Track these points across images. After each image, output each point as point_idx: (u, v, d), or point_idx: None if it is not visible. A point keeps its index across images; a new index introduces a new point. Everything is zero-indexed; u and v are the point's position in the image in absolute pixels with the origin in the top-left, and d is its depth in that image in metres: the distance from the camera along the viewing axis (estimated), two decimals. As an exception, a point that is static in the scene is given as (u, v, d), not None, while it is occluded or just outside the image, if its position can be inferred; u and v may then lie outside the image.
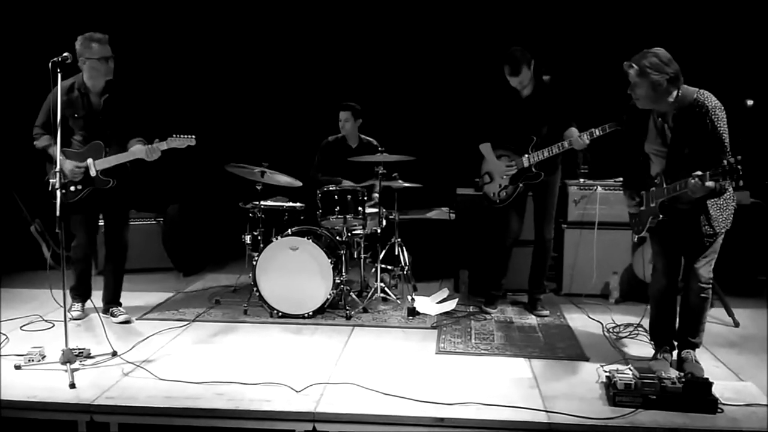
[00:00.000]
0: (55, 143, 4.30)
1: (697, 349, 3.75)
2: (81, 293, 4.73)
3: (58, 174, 3.74)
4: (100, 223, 4.79)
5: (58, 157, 3.78)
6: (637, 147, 3.69)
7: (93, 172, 4.39)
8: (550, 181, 4.78)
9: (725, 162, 3.13)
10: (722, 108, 3.39)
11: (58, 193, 3.69)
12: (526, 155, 4.67)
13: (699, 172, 3.24)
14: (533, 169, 4.69)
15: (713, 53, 5.64)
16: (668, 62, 3.37)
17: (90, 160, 4.39)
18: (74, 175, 4.37)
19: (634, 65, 3.39)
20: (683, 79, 3.43)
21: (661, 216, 3.54)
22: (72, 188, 4.41)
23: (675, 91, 3.42)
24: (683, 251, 3.70)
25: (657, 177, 3.55)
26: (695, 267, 3.57)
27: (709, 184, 3.22)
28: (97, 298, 4.77)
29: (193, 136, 4.43)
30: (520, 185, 4.76)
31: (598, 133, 4.40)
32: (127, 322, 4.65)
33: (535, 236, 4.92)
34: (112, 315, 4.71)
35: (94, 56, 4.27)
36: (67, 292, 4.55)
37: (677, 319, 3.79)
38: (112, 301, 4.79)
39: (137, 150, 4.40)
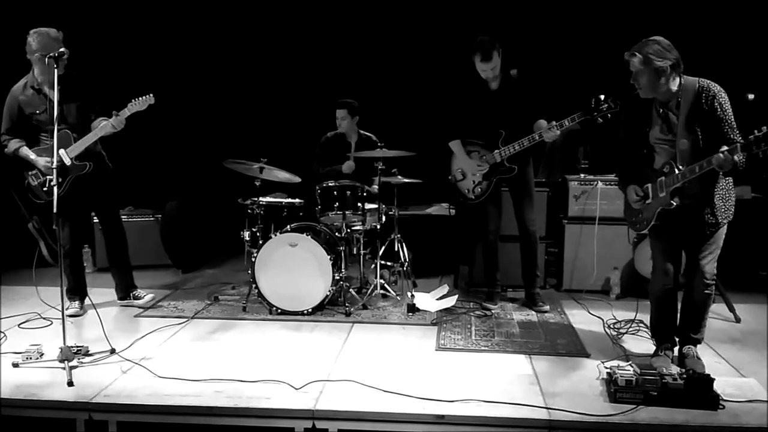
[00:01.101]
0: (25, 144, 4.44)
1: (698, 345, 3.73)
2: (76, 291, 4.75)
3: (55, 171, 3.72)
4: (94, 221, 4.81)
5: (56, 152, 3.77)
6: (641, 139, 3.63)
7: (67, 161, 4.43)
8: (524, 173, 4.78)
9: (756, 133, 3.10)
10: (725, 92, 3.41)
11: (56, 189, 3.68)
12: (497, 150, 4.66)
13: (726, 147, 3.21)
14: (506, 164, 4.68)
15: (713, 47, 5.61)
16: (669, 48, 3.37)
17: (62, 151, 4.40)
18: (48, 170, 4.36)
19: (637, 54, 3.37)
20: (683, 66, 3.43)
21: (674, 203, 3.46)
22: (52, 182, 4.39)
23: (678, 79, 3.42)
24: (685, 246, 3.67)
25: (665, 166, 3.49)
26: (700, 263, 3.54)
27: (737, 156, 3.18)
28: (106, 294, 4.80)
29: (151, 94, 4.40)
30: (494, 180, 4.76)
31: (567, 124, 4.40)
32: (152, 300, 4.87)
33: (519, 230, 4.92)
34: (136, 298, 4.87)
35: (48, 52, 4.13)
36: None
37: (678, 316, 3.77)
38: (129, 287, 4.92)
39: (104, 126, 4.40)
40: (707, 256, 3.54)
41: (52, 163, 3.75)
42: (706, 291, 3.58)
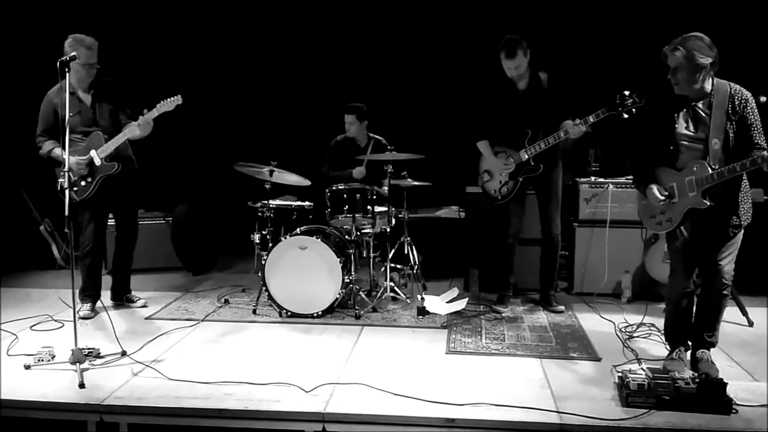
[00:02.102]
0: (59, 145, 4.51)
1: (712, 349, 3.70)
2: (90, 293, 4.76)
3: (66, 174, 3.76)
4: (110, 222, 4.86)
5: (67, 157, 3.78)
6: (666, 136, 3.56)
7: (97, 161, 4.51)
8: (551, 176, 4.77)
9: None
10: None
11: (67, 192, 3.71)
12: (523, 149, 4.65)
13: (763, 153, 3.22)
14: (531, 162, 4.67)
15: (725, 49, 5.57)
16: (711, 46, 3.36)
17: (93, 151, 4.51)
18: (79, 168, 4.48)
19: (680, 48, 3.34)
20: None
21: (707, 202, 3.41)
22: (83, 183, 4.54)
23: (711, 79, 3.42)
24: (703, 248, 3.60)
25: (695, 164, 3.42)
26: (720, 264, 3.50)
27: None
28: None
29: (179, 96, 4.48)
30: (520, 180, 4.74)
31: (593, 119, 4.37)
32: (144, 305, 4.93)
33: (542, 232, 4.91)
34: (131, 302, 4.96)
35: (81, 61, 4.35)
36: (77, 293, 4.61)
37: (695, 318, 3.72)
38: (125, 290, 5.00)
39: (131, 128, 4.49)
40: (727, 257, 3.51)
41: (67, 165, 3.76)
42: (724, 292, 3.55)
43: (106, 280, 4.99)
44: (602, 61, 6.03)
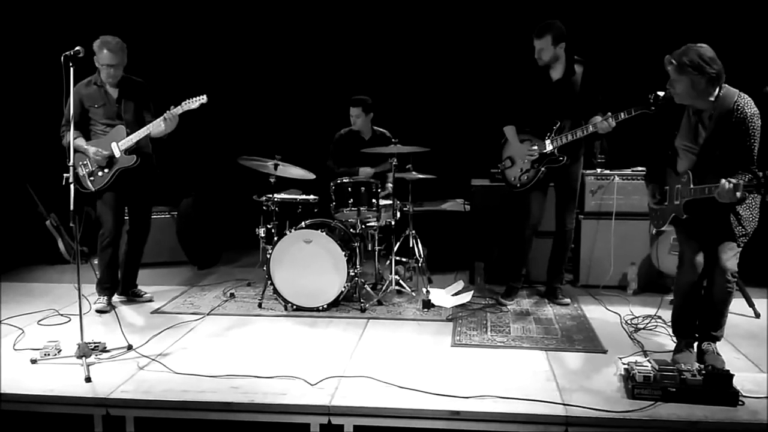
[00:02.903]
0: (81, 136, 4.59)
1: (718, 342, 3.69)
2: (108, 286, 4.78)
3: (71, 168, 3.73)
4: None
5: (72, 153, 3.77)
6: (668, 140, 3.59)
7: (117, 153, 4.58)
8: (572, 169, 4.73)
9: (760, 174, 3.10)
10: (759, 116, 3.34)
11: (72, 187, 3.68)
12: (549, 139, 4.63)
13: (733, 180, 3.16)
14: (555, 153, 4.64)
15: (734, 39, 5.53)
16: (710, 61, 3.26)
17: (113, 143, 4.57)
18: (97, 158, 4.54)
19: (673, 61, 3.31)
20: (725, 77, 3.34)
21: (685, 216, 3.48)
22: (100, 173, 4.59)
23: (716, 91, 3.35)
24: (710, 242, 3.57)
25: (684, 174, 3.46)
26: (723, 260, 3.47)
27: (739, 194, 3.15)
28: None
29: (205, 96, 4.59)
30: (542, 169, 4.70)
31: (623, 116, 4.33)
32: (150, 300, 4.96)
33: (556, 225, 4.88)
34: (138, 296, 4.99)
35: (103, 62, 4.54)
36: (88, 285, 4.64)
37: (701, 312, 3.71)
38: (132, 285, 5.03)
39: (156, 122, 4.57)
40: (729, 253, 3.48)
41: (71, 160, 3.76)
42: (728, 288, 3.52)
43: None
44: (638, 59, 5.95)
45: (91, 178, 4.60)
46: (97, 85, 4.64)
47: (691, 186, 3.42)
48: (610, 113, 4.37)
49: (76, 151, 4.50)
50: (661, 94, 4.17)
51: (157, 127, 4.56)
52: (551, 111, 4.63)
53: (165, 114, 4.54)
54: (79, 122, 4.57)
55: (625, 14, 6.13)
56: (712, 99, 3.36)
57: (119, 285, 4.95)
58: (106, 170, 4.59)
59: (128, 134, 4.58)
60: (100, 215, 4.71)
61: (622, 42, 6.06)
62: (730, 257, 3.48)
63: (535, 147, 4.68)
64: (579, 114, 4.59)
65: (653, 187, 3.73)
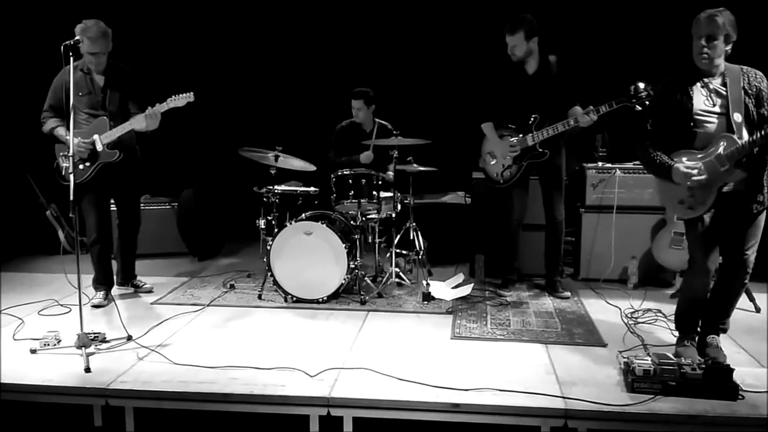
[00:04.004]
0: (64, 125, 4.48)
1: (721, 335, 3.68)
2: (103, 281, 4.75)
3: (71, 158, 3.71)
4: (112, 209, 4.85)
5: (71, 140, 3.74)
6: (685, 114, 3.43)
7: (99, 147, 4.47)
8: (555, 161, 4.73)
9: None
10: None
11: (72, 177, 3.66)
12: (531, 134, 4.62)
13: None
14: (538, 148, 4.63)
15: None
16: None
17: (96, 136, 4.47)
18: (80, 150, 4.43)
19: (721, 15, 3.29)
20: None
21: (745, 174, 3.33)
22: (81, 166, 4.49)
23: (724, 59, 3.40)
24: (726, 235, 3.49)
25: (720, 140, 3.32)
26: (746, 253, 3.43)
27: None
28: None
29: (192, 93, 4.46)
30: (524, 164, 4.71)
31: (605, 109, 4.32)
32: (150, 291, 4.94)
33: (546, 218, 4.88)
34: (137, 287, 4.97)
35: (85, 50, 4.39)
36: (82, 281, 4.62)
37: (708, 302, 3.65)
38: (131, 275, 5.00)
39: (138, 118, 4.45)
40: (752, 246, 3.43)
41: (71, 151, 3.73)
42: (745, 280, 3.51)
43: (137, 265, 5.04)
44: (613, 49, 5.96)
45: (71, 171, 4.48)
46: (84, 71, 4.52)
47: (739, 143, 3.25)
48: (591, 107, 4.36)
49: (58, 141, 4.51)
50: (641, 85, 4.15)
51: (139, 122, 4.43)
52: (528, 105, 4.63)
53: (147, 110, 4.41)
54: (62, 108, 4.44)
55: (600, 7, 6.11)
56: (723, 67, 3.40)
57: (119, 275, 4.95)
58: (87, 164, 4.48)
59: (111, 127, 4.47)
60: (83, 210, 4.61)
61: (598, 33, 6.05)
62: (753, 251, 3.45)
63: (517, 143, 4.67)
64: (556, 107, 4.59)
65: (684, 164, 3.39)
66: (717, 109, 3.40)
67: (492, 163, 4.87)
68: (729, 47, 3.35)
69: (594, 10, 6.12)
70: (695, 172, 3.34)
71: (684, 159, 3.42)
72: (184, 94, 4.45)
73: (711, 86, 3.42)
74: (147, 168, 4.88)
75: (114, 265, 4.93)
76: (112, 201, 4.85)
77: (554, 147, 4.68)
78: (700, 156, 3.38)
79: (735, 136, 3.30)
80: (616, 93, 4.27)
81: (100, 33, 4.38)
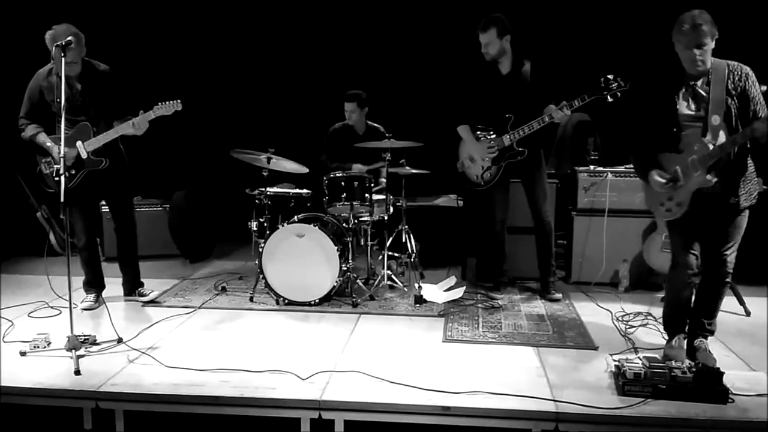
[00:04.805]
0: (43, 130, 4.39)
1: (709, 338, 3.70)
2: (93, 284, 4.72)
3: (62, 160, 3.67)
4: (104, 210, 4.80)
5: (63, 141, 3.71)
6: (670, 118, 3.48)
7: (84, 154, 4.39)
8: (534, 160, 4.74)
9: None
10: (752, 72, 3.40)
11: (62, 179, 3.64)
12: (507, 134, 4.63)
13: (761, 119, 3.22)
14: (515, 147, 4.65)
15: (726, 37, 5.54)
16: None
17: (79, 143, 4.37)
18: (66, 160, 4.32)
19: (706, 19, 3.29)
20: None
21: (712, 179, 3.35)
22: (66, 174, 4.36)
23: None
24: (705, 235, 3.57)
25: (695, 144, 3.37)
26: (724, 253, 3.48)
27: None
28: (114, 285, 4.85)
29: (179, 101, 4.36)
30: (503, 165, 4.73)
31: (578, 103, 4.37)
32: (156, 300, 4.78)
33: (533, 220, 4.89)
34: (141, 295, 4.82)
35: (51, 51, 4.12)
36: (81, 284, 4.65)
37: (694, 305, 3.72)
38: (135, 283, 4.89)
39: (124, 125, 4.36)
40: (731, 246, 3.48)
41: (62, 152, 3.69)
42: (726, 280, 3.54)
43: (112, 269, 4.93)
44: (588, 47, 5.99)
45: (56, 178, 4.24)
46: (58, 76, 4.17)
47: (710, 147, 3.30)
48: (565, 102, 4.39)
49: (39, 147, 4.39)
50: (611, 77, 4.21)
51: (124, 129, 4.34)
52: (503, 105, 4.65)
53: (132, 120, 4.30)
54: (40, 115, 4.37)
55: (572, 5, 6.16)
56: (708, 65, 3.37)
57: (125, 288, 4.88)
58: (72, 171, 4.37)
59: (95, 134, 4.36)
60: (71, 217, 4.49)
61: (570, 32, 6.08)
62: (732, 250, 3.49)
63: (494, 144, 4.68)
64: (531, 106, 4.59)
65: (658, 171, 3.52)
66: (699, 113, 3.43)
67: (471, 166, 4.88)
68: (711, 47, 3.35)
69: (566, 9, 6.15)
70: (663, 181, 3.48)
71: (665, 161, 3.52)
72: (171, 102, 4.34)
73: (694, 89, 3.43)
74: (135, 167, 4.78)
75: (104, 267, 4.90)
76: (103, 204, 4.81)
77: (532, 146, 4.69)
78: (678, 160, 3.45)
79: (708, 139, 3.33)
80: (588, 87, 4.33)
81: (62, 42, 3.89)
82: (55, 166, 4.39)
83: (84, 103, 4.39)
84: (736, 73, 3.36)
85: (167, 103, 4.35)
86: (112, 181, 4.59)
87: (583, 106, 4.45)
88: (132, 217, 4.83)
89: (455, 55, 6.28)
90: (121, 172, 4.64)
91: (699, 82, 3.42)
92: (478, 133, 4.79)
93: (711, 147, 3.33)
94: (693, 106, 3.45)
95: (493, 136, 4.70)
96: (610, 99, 4.29)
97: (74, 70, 4.32)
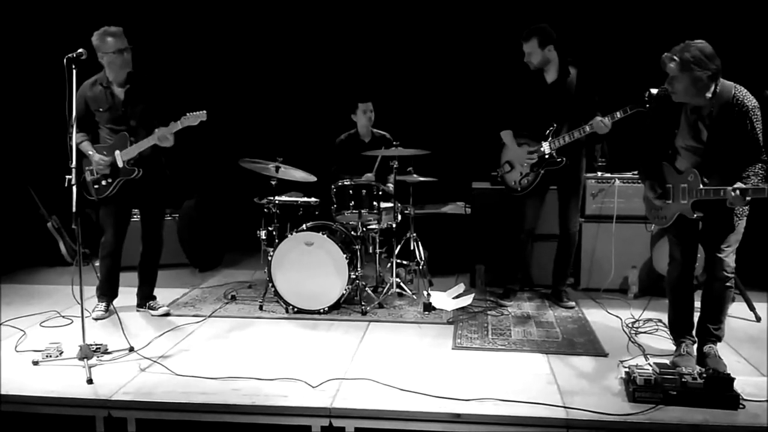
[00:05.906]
0: (88, 139, 4.48)
1: (718, 344, 3.70)
2: (107, 292, 4.72)
3: (74, 170, 3.71)
4: (134, 219, 4.83)
5: (74, 153, 3.75)
6: (667, 139, 3.57)
7: (120, 163, 4.45)
8: (573, 172, 4.74)
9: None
10: (758, 107, 3.34)
11: (74, 189, 3.68)
12: (547, 141, 4.63)
13: (740, 185, 3.19)
14: (554, 155, 4.65)
15: (735, 41, 5.54)
16: (711, 58, 3.26)
17: (117, 152, 4.45)
18: (99, 167, 4.44)
19: (675, 58, 3.28)
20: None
21: (696, 215, 3.43)
22: (103, 182, 4.50)
23: (713, 87, 3.34)
24: (703, 241, 3.63)
25: (690, 173, 3.44)
26: (719, 256, 3.50)
27: (749, 197, 3.19)
28: (124, 294, 4.85)
29: (204, 111, 4.41)
30: (542, 172, 4.72)
31: (619, 116, 4.36)
32: (167, 314, 4.74)
33: (560, 229, 4.89)
34: (152, 309, 4.81)
35: (110, 50, 4.32)
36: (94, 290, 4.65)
37: (699, 312, 3.73)
38: (149, 296, 4.87)
39: (151, 137, 4.41)
40: (726, 248, 3.50)
41: (74, 162, 3.73)
42: (727, 284, 3.55)
43: (125, 278, 4.89)
44: (632, 59, 5.96)
45: (96, 186, 4.50)
46: (103, 85, 4.44)
47: (701, 186, 3.37)
48: (599, 114, 4.40)
49: (82, 155, 4.49)
50: (654, 91, 4.20)
51: (152, 140, 4.39)
52: (547, 114, 4.65)
53: (156, 132, 4.36)
54: (87, 124, 4.47)
55: (619, 14, 6.13)
56: (710, 95, 3.35)
57: (138, 298, 4.88)
58: (109, 179, 4.47)
59: (132, 143, 4.43)
60: (102, 223, 4.61)
61: (617, 42, 6.05)
62: (728, 253, 3.51)
63: (535, 150, 4.69)
64: (576, 116, 4.59)
65: (651, 183, 3.67)
66: (696, 144, 3.47)
67: (510, 171, 4.89)
68: (702, 83, 3.28)
69: (611, 20, 6.15)
70: (653, 195, 3.64)
71: (667, 173, 3.63)
72: (197, 113, 4.38)
73: (696, 117, 3.44)
74: (173, 179, 4.83)
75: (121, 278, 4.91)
76: (135, 212, 4.84)
77: (573, 156, 4.68)
78: (675, 179, 3.56)
79: (700, 177, 3.39)
80: (631, 100, 4.30)
81: (121, 31, 4.33)
82: (100, 174, 4.48)
83: (125, 114, 4.46)
84: (737, 108, 3.32)
85: (194, 113, 4.39)
86: (147, 191, 4.62)
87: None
88: (160, 230, 4.83)
89: (461, 70, 6.32)
90: (157, 183, 4.66)
91: (702, 111, 3.43)
92: (522, 140, 4.79)
93: (701, 185, 3.37)
94: (692, 134, 3.48)
95: (537, 145, 4.70)
96: None
97: (120, 74, 4.42)
